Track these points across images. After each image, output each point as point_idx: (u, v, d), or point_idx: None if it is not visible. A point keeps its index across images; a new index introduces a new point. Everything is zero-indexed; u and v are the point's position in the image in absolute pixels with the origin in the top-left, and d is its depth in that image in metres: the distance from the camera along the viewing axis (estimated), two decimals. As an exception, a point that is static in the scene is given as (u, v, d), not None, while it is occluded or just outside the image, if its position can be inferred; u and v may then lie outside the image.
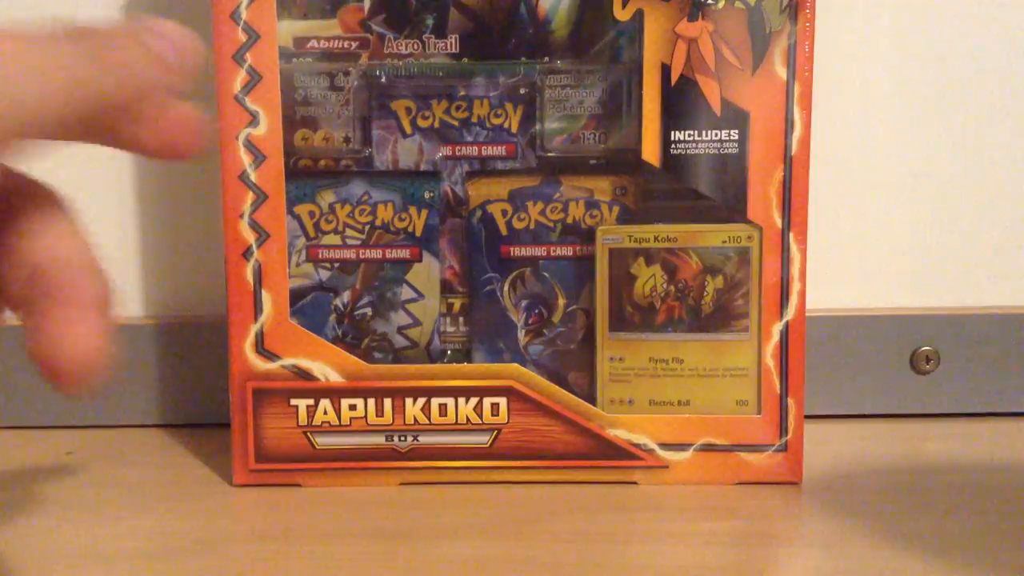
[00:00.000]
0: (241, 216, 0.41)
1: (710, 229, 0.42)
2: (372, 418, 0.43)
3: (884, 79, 0.49)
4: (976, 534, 0.34)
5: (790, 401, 0.42)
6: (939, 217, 0.50)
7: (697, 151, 0.41)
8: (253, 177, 0.41)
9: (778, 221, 0.41)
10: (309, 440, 0.43)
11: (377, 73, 0.43)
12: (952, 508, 0.36)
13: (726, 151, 0.41)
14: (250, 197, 0.41)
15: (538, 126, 0.43)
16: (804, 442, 0.42)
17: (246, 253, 0.42)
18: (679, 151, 0.41)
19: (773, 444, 0.42)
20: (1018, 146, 0.49)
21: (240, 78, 0.41)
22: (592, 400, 0.43)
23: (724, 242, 0.41)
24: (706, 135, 0.41)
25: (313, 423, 0.42)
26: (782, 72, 0.40)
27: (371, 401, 0.43)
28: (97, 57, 0.21)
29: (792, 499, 0.40)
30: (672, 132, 0.41)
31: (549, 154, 0.44)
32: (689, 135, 0.41)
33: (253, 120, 0.41)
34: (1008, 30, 0.48)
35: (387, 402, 0.43)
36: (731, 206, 0.41)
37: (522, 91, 0.44)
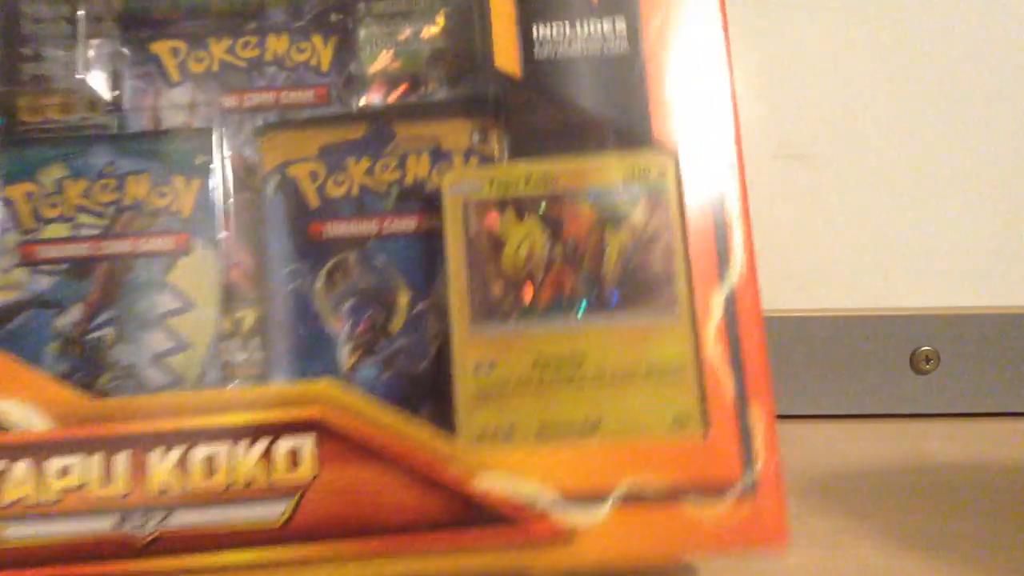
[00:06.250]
0: None
1: (605, 161, 0.29)
2: (96, 488, 0.28)
3: (884, 75, 0.50)
4: (976, 534, 0.34)
5: (753, 408, 0.28)
6: (939, 217, 0.50)
7: (572, 52, 0.30)
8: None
9: (697, 139, 0.29)
10: (-13, 530, 0.27)
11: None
12: (952, 508, 0.37)
13: (611, 50, 0.30)
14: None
15: (355, 66, 0.32)
16: (784, 473, 0.28)
17: None
18: (546, 53, 0.30)
19: (735, 483, 0.27)
20: (1018, 145, 0.50)
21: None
22: (452, 435, 0.28)
23: (626, 178, 0.29)
24: (582, 28, 0.30)
25: (-3, 502, 0.27)
26: (679, -55, 0.30)
27: (95, 459, 0.28)
28: None
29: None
30: (534, 27, 0.30)
31: (374, 99, 0.32)
32: (558, 30, 0.30)
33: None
34: (1008, 26, 0.50)
35: (120, 459, 0.28)
36: (629, 125, 0.29)
37: (333, 18, 0.33)
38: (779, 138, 0.51)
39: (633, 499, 0.28)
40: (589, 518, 0.28)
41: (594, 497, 0.28)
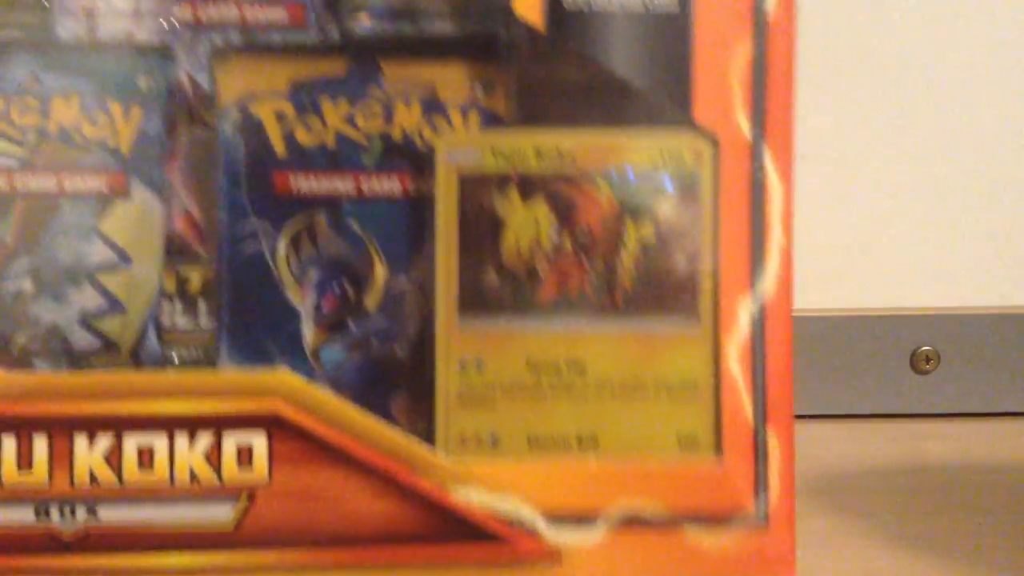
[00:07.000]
0: None
1: (632, 140, 0.25)
2: (11, 475, 0.23)
3: (885, 74, 0.50)
4: (976, 534, 0.35)
5: (769, 434, 0.25)
6: (939, 216, 0.51)
7: (609, 5, 0.25)
8: None
9: (745, 127, 0.25)
10: None
11: None
12: (952, 508, 0.37)
13: (657, 7, 0.25)
14: None
15: (345, -19, 0.27)
16: (795, 505, 0.25)
17: None
18: (579, 3, 0.25)
19: (745, 512, 0.25)
20: (1018, 145, 0.50)
21: None
22: (429, 438, 0.25)
23: (655, 163, 0.25)
24: (621, -24, 0.25)
25: None
26: None
27: (9, 441, 0.23)
28: None
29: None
30: (564, -31, 0.25)
31: (362, 25, 0.27)
32: (593, -25, 0.25)
33: None
34: (1008, 26, 0.50)
35: (40, 443, 0.24)
36: (666, 100, 0.25)
37: (318, -82, 0.27)
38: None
39: (630, 523, 0.26)
40: (580, 540, 0.25)
41: (585, 519, 0.25)
